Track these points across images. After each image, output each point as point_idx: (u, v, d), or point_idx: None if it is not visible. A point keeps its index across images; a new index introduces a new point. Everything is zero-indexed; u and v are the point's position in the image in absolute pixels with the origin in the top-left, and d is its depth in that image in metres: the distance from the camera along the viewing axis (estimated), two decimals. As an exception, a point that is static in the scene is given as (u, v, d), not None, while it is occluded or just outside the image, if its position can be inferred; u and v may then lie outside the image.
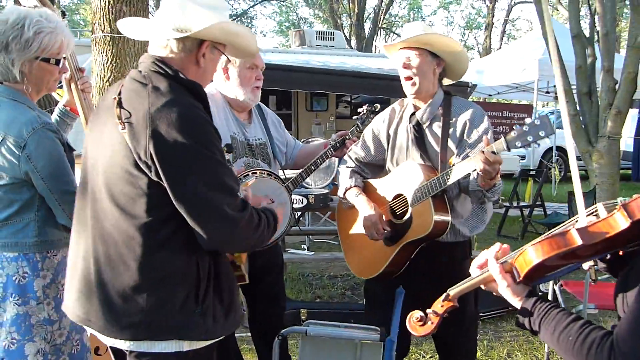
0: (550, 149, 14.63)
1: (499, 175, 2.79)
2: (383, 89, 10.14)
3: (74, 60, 3.07)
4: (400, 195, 3.17)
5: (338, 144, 3.70)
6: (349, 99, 13.99)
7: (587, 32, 8.71)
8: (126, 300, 2.09)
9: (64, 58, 2.77)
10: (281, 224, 3.49)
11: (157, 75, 2.17)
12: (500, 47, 33.43)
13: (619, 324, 1.52)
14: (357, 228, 3.37)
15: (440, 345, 3.45)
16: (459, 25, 45.71)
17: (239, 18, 37.65)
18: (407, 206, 3.10)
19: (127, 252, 2.09)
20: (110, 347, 2.32)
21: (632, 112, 9.84)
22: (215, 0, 2.31)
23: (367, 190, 3.37)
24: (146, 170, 2.05)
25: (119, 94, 2.15)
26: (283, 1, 38.76)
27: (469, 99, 11.80)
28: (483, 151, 2.67)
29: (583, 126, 8.07)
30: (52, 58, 2.65)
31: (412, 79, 3.13)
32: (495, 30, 38.09)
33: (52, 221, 2.68)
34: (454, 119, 3.15)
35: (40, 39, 2.57)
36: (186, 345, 2.15)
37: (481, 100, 15.71)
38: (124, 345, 2.15)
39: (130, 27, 2.38)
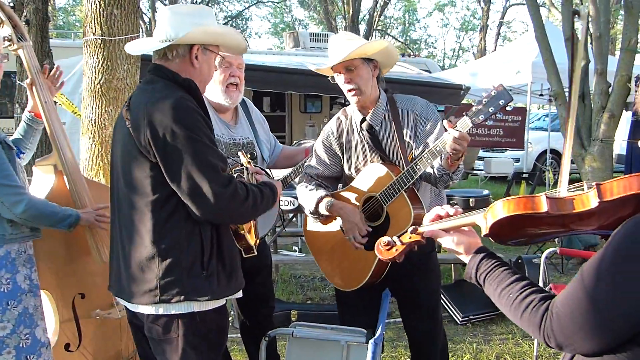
0: (545, 151, 14.65)
1: (463, 156, 2.89)
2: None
3: (35, 65, 3.18)
4: (371, 197, 3.17)
5: None
6: (343, 101, 13.98)
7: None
8: (143, 269, 2.45)
9: None
10: (268, 223, 3.53)
11: (157, 77, 2.57)
12: (495, 49, 33.45)
13: (561, 291, 1.56)
14: (332, 239, 3.35)
15: (413, 340, 3.47)
16: (454, 28, 45.77)
17: (233, 19, 37.68)
18: (381, 207, 3.12)
19: (141, 227, 2.46)
20: (129, 320, 2.71)
21: (627, 115, 9.84)
22: (199, 7, 2.69)
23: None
24: (147, 155, 2.41)
25: (130, 98, 2.58)
26: (277, 3, 38.81)
27: (463, 102, 11.83)
28: (449, 132, 2.74)
29: (576, 129, 8.07)
30: None
31: (356, 90, 3.15)
32: (491, 32, 38.17)
33: None
34: (403, 115, 3.23)
35: None
36: (195, 307, 2.46)
37: (472, 102, 15.72)
38: (145, 309, 2.49)
39: (133, 47, 2.83)
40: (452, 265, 6.44)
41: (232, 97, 3.46)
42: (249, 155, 2.97)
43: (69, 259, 3.26)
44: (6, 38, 3.10)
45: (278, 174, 3.85)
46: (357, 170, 3.31)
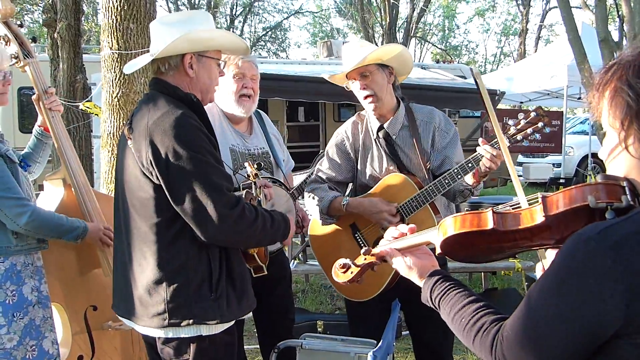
0: (586, 156, 14.36)
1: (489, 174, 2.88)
2: (410, 99, 10.04)
3: (41, 81, 3.25)
4: None
5: None
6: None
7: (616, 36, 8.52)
8: (150, 292, 2.38)
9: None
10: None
11: (157, 93, 2.48)
12: (536, 52, 32.89)
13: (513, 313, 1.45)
14: (342, 247, 3.26)
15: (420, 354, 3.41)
16: (495, 32, 45.14)
17: (272, 30, 37.94)
18: (401, 219, 3.06)
19: (146, 250, 2.38)
20: (143, 338, 2.62)
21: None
22: (189, 14, 2.59)
23: None
24: (149, 176, 2.33)
25: (132, 115, 2.49)
26: (316, 13, 38.93)
27: (498, 107, 11.67)
28: (485, 149, 2.73)
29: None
30: None
31: (373, 97, 3.11)
32: (532, 36, 37.56)
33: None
34: (421, 126, 3.19)
35: None
36: (204, 330, 2.39)
37: (510, 108, 15.50)
38: (154, 332, 2.44)
39: (129, 65, 2.73)
40: (482, 273, 6.33)
41: (246, 107, 3.39)
42: (255, 167, 2.93)
43: (80, 271, 3.31)
44: (13, 55, 3.18)
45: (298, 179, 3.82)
46: (373, 178, 3.24)
